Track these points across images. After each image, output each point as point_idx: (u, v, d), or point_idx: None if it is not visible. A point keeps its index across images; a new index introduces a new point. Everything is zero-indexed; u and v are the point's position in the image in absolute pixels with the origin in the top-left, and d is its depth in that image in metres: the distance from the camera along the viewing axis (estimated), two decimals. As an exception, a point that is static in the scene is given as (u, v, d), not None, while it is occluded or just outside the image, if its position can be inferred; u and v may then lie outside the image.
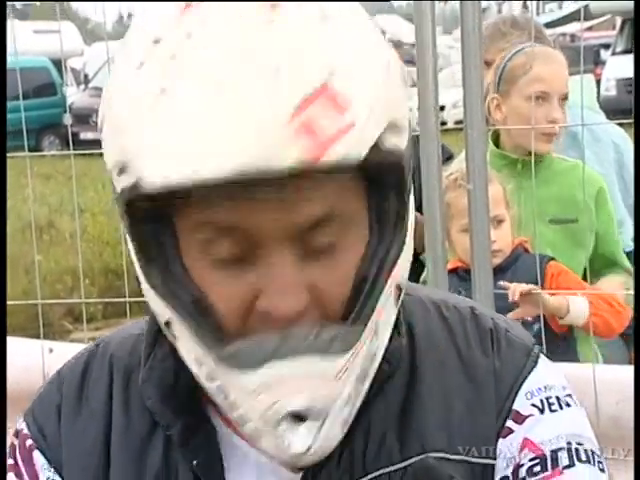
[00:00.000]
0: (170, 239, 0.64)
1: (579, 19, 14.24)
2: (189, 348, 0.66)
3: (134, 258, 0.67)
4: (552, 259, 1.81)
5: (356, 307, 0.62)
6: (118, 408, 0.75)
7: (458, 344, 0.76)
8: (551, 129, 1.85)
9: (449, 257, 1.77)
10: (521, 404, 0.73)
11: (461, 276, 1.74)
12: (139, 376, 0.74)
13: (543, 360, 0.77)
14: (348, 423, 0.64)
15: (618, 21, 17.72)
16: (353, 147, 0.55)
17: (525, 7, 16.34)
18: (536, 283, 1.66)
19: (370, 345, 0.63)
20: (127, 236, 0.66)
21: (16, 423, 0.78)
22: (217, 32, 0.57)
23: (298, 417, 0.62)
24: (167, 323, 0.66)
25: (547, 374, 0.77)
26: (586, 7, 14.81)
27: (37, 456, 0.75)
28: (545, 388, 0.75)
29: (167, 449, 0.73)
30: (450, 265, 1.74)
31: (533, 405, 0.74)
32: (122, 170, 0.60)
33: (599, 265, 1.93)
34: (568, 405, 0.75)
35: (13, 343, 2.31)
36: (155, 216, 0.63)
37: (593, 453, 0.73)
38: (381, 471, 0.70)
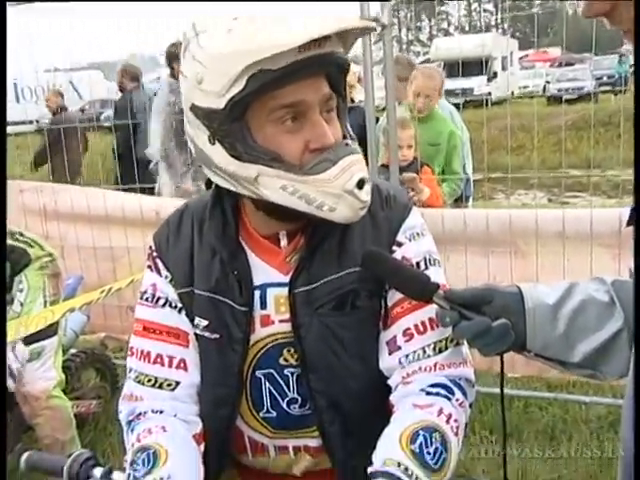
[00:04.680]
0: (246, 130, 1.09)
1: None
2: (274, 184, 1.10)
3: (217, 151, 1.11)
4: (427, 165, 3.84)
5: (347, 138, 1.17)
6: (196, 239, 1.26)
7: (369, 206, 1.16)
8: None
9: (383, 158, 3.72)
10: (400, 237, 1.23)
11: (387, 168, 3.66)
12: (206, 224, 1.26)
13: (413, 210, 1.27)
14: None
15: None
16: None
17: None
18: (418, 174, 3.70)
19: None
20: (214, 139, 1.11)
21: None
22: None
23: (361, 183, 1.10)
24: (256, 177, 1.10)
25: (414, 219, 1.26)
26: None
27: (158, 261, 1.29)
28: (412, 227, 1.25)
29: (222, 264, 1.22)
30: (384, 162, 3.71)
31: (406, 237, 1.23)
32: (234, 82, 1.05)
33: (448, 166, 4.03)
34: (423, 235, 1.25)
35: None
36: (239, 117, 1.08)
37: (436, 259, 1.24)
38: (330, 277, 1.19)
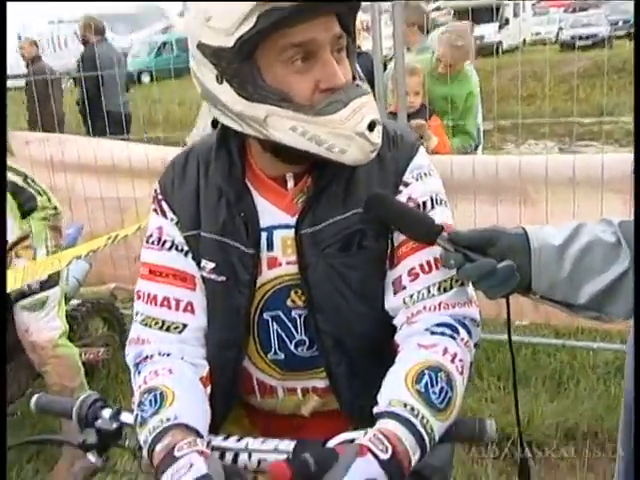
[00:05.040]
0: (256, 70, 1.07)
1: None
2: (283, 125, 1.08)
3: (224, 90, 1.09)
4: (436, 114, 3.79)
5: (357, 79, 1.14)
6: (202, 181, 1.25)
7: None
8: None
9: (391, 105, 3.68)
10: (407, 176, 1.22)
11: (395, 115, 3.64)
12: (211, 165, 1.24)
13: (421, 150, 1.26)
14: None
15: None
16: None
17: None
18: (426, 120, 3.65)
19: None
20: (222, 78, 1.08)
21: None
22: None
23: (372, 125, 1.09)
24: (265, 118, 1.08)
25: (422, 159, 1.25)
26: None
27: (164, 203, 1.28)
28: (420, 167, 1.23)
29: (229, 206, 1.21)
30: (392, 109, 3.67)
31: (413, 177, 1.22)
32: (244, 20, 1.01)
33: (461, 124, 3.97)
34: (430, 175, 1.24)
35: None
36: (248, 56, 1.05)
37: (443, 200, 1.23)
38: (336, 218, 1.18)
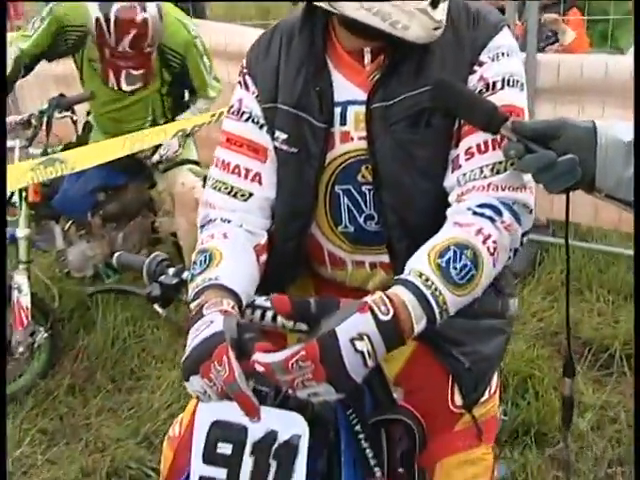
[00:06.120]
0: None
1: None
2: None
3: None
4: (577, 7, 3.50)
5: None
6: (283, 55, 1.29)
7: (454, 23, 1.19)
8: None
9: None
10: (483, 56, 1.20)
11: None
12: (295, 40, 1.29)
13: (504, 31, 1.23)
14: None
15: None
16: None
17: None
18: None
19: None
20: None
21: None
22: None
23: (436, 2, 1.11)
24: None
25: (503, 39, 1.22)
26: None
27: (247, 77, 1.34)
28: (498, 47, 1.20)
29: (306, 81, 1.25)
30: None
31: (489, 57, 1.20)
32: None
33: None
34: (509, 55, 1.20)
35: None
36: None
37: (518, 81, 1.20)
38: (407, 94, 1.19)
